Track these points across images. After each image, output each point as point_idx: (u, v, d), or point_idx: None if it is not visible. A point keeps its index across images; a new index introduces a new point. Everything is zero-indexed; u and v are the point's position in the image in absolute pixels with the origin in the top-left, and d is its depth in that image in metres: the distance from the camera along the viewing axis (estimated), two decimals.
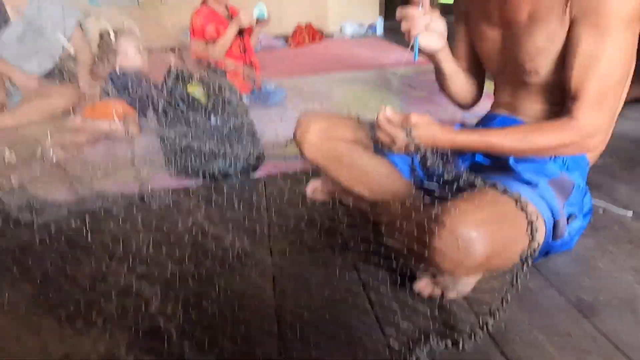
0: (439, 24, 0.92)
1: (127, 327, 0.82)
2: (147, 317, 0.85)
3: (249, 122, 1.45)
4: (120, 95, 1.97)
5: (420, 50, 0.95)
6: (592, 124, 0.81)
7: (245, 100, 2.06)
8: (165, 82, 1.33)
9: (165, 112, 1.31)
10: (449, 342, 0.76)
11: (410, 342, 0.78)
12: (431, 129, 0.87)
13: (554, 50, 0.84)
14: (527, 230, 0.73)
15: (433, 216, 0.68)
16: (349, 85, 2.58)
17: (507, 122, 1.00)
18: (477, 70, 1.10)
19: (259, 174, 1.51)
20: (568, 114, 0.82)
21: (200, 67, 1.34)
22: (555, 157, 0.90)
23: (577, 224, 0.90)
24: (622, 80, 0.81)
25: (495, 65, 1.01)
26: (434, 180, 0.98)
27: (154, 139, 1.53)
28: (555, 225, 0.82)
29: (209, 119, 1.29)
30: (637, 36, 0.81)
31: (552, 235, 0.84)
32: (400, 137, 0.88)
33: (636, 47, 0.83)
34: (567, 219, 0.87)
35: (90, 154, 1.68)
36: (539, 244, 0.74)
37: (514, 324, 0.81)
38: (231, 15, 2.08)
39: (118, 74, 2.05)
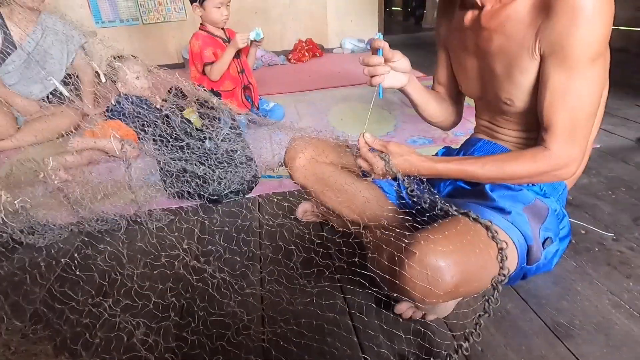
0: (401, 64, 0.97)
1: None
2: (131, 346, 0.89)
3: (243, 146, 1.50)
4: (122, 119, 2.03)
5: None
6: (565, 155, 0.84)
7: (242, 119, 2.12)
8: (163, 107, 1.38)
9: (161, 136, 1.36)
10: None
11: None
12: (410, 158, 0.91)
13: (527, 83, 0.87)
14: (497, 258, 0.76)
15: (403, 246, 0.71)
16: (347, 101, 2.63)
17: (487, 147, 1.04)
18: (457, 94, 1.15)
19: (253, 193, 1.55)
20: (542, 144, 0.86)
21: (197, 92, 1.38)
22: (532, 184, 0.93)
23: (553, 247, 0.93)
24: (593, 113, 0.84)
25: (473, 92, 1.05)
26: (418, 205, 1.02)
27: (154, 161, 1.58)
28: (529, 251, 0.85)
29: (203, 143, 1.33)
30: (606, 68, 0.84)
31: (527, 260, 0.87)
32: (379, 165, 0.92)
33: (606, 78, 0.86)
34: (543, 243, 0.90)
35: (90, 176, 1.73)
36: (509, 271, 0.76)
37: (490, 347, 0.84)
38: (229, 37, 2.14)
39: (122, 98, 2.12)
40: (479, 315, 0.77)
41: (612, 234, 1.15)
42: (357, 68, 3.30)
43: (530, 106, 0.90)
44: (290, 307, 0.96)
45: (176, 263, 1.12)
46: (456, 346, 0.78)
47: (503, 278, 0.75)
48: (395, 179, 0.91)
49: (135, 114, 1.81)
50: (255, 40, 2.06)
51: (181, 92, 1.43)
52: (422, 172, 0.91)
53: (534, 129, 0.94)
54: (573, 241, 1.13)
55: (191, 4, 1.99)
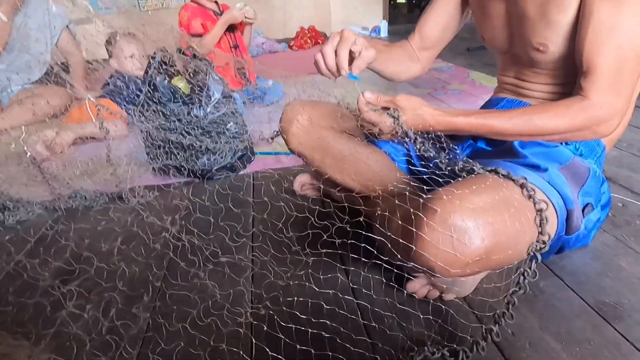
0: (365, 54, 0.84)
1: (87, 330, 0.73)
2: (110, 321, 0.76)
3: (236, 116, 1.36)
4: (115, 98, 1.90)
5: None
6: (607, 106, 0.70)
7: (237, 97, 1.99)
8: (147, 72, 1.24)
9: (146, 105, 1.23)
10: (447, 353, 0.66)
11: (402, 352, 0.67)
12: (423, 113, 0.77)
13: (565, 22, 0.74)
14: (535, 221, 0.62)
15: (422, 202, 0.57)
16: (350, 84, 2.49)
17: (512, 105, 0.90)
18: (432, 47, 1.04)
19: (248, 171, 1.42)
20: (580, 93, 0.72)
21: (185, 58, 1.25)
22: (566, 142, 0.80)
23: (594, 215, 0.79)
24: None
25: (499, 44, 0.91)
26: (432, 167, 0.89)
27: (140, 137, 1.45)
28: (568, 217, 0.71)
29: (191, 110, 1.20)
30: None
31: (566, 229, 0.73)
32: (387, 123, 0.79)
33: None
34: (583, 210, 0.76)
35: (74, 154, 1.60)
36: (549, 237, 0.62)
37: (523, 330, 0.70)
38: (222, 11, 2.01)
39: (115, 76, 2.00)
40: (512, 292, 0.62)
41: None
42: None
43: (566, 52, 0.76)
44: (280, 281, 0.82)
45: (152, 239, 0.99)
46: (484, 331, 0.64)
47: (543, 245, 0.61)
48: (406, 136, 0.77)
49: (125, 91, 1.69)
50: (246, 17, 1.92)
51: (170, 56, 1.30)
52: (437, 128, 0.78)
53: (568, 81, 0.80)
54: (610, 214, 0.98)
55: None
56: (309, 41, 4.06)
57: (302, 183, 1.17)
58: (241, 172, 1.40)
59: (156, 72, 1.22)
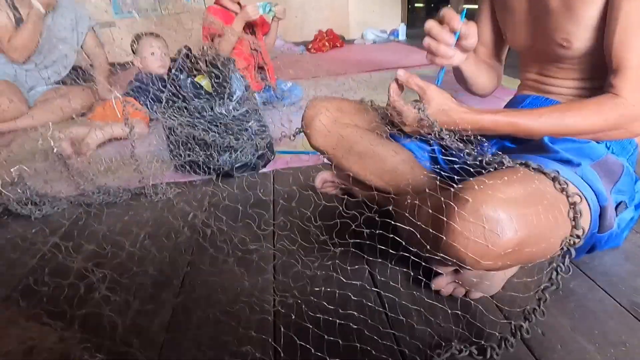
0: (472, 44, 0.84)
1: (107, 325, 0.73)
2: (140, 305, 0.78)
3: (257, 114, 1.37)
4: (139, 97, 1.94)
5: None
6: None
7: (257, 98, 2.00)
8: (170, 70, 1.26)
9: (169, 102, 1.24)
10: (475, 351, 0.64)
11: (427, 350, 0.66)
12: (449, 107, 0.76)
13: (590, 16, 0.72)
14: (568, 215, 0.60)
15: (452, 192, 0.56)
16: (369, 86, 2.49)
17: (538, 103, 0.88)
18: (499, 52, 1.02)
19: (268, 169, 1.42)
20: (611, 91, 0.70)
21: (208, 54, 1.26)
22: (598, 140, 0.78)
23: (627, 214, 0.77)
24: None
25: (522, 40, 0.89)
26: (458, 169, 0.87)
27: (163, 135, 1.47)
28: (601, 214, 0.69)
29: (213, 106, 1.21)
30: None
31: (599, 227, 0.70)
32: (412, 115, 0.78)
33: None
34: (616, 208, 0.74)
35: (98, 151, 1.63)
36: (583, 232, 0.61)
37: (554, 330, 0.68)
38: None
39: (141, 76, 2.03)
40: (544, 288, 0.61)
41: None
42: (379, 57, 3.15)
43: (591, 47, 0.74)
44: (307, 271, 0.81)
45: (181, 224, 0.99)
46: (513, 327, 0.62)
47: (577, 240, 0.59)
48: (431, 132, 0.76)
49: (149, 89, 1.71)
50: (273, 15, 1.93)
51: (193, 55, 1.31)
52: (463, 125, 0.76)
53: (595, 76, 0.78)
54: None
55: None
56: (327, 44, 4.07)
57: (323, 180, 1.17)
58: (262, 171, 1.41)
59: (180, 69, 1.23)
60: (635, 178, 0.82)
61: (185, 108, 1.17)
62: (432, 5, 7.05)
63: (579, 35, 0.74)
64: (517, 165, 0.65)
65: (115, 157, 1.45)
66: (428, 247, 0.57)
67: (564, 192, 0.61)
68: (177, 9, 4.18)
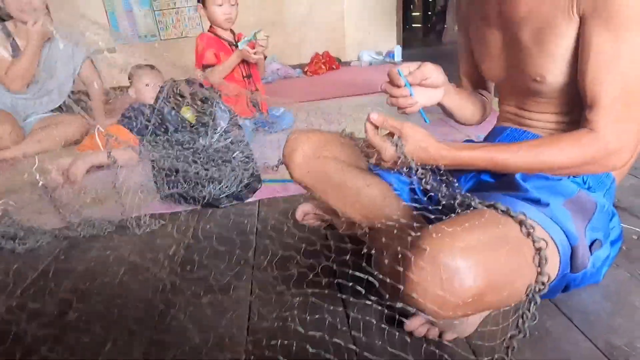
0: (435, 80, 0.85)
1: None
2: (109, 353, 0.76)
3: (243, 145, 1.37)
4: (131, 126, 1.96)
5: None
6: (616, 138, 0.68)
7: (248, 125, 2.01)
8: (156, 102, 1.27)
9: (154, 134, 1.25)
10: None
11: None
12: (427, 145, 0.76)
13: (562, 53, 0.72)
14: (533, 261, 0.59)
15: (410, 240, 0.55)
16: (362, 109, 2.51)
17: (516, 135, 0.88)
18: (483, 83, 1.03)
19: (254, 198, 1.42)
20: (587, 125, 0.70)
21: (193, 87, 1.28)
22: (574, 175, 0.77)
23: (603, 252, 0.76)
24: None
25: (497, 74, 0.90)
26: (434, 200, 0.87)
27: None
28: (573, 254, 0.68)
29: (197, 140, 1.22)
30: None
31: (571, 266, 0.69)
32: (389, 151, 0.78)
33: None
34: (590, 246, 0.72)
35: (87, 181, 1.64)
36: (549, 278, 0.60)
37: None
38: (237, 40, 2.06)
39: (135, 106, 2.06)
40: (511, 336, 0.60)
41: None
42: (375, 78, 3.17)
43: (566, 82, 0.74)
44: (278, 314, 0.81)
45: (153, 269, 0.99)
46: None
47: (542, 287, 0.58)
48: (409, 169, 0.76)
49: (139, 120, 1.73)
50: (254, 39, 1.94)
51: (178, 89, 1.33)
52: (441, 161, 0.76)
53: (572, 110, 0.78)
54: (624, 247, 0.94)
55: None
56: (323, 67, 4.12)
57: (304, 212, 1.16)
58: (247, 200, 1.41)
59: (164, 102, 1.25)
60: (612, 212, 0.81)
61: (168, 140, 1.18)
62: (429, 25, 7.16)
63: (552, 70, 0.75)
64: (485, 207, 0.65)
65: (104, 187, 1.46)
66: (387, 296, 0.57)
67: (530, 237, 0.60)
68: (177, 35, 4.26)
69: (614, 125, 0.68)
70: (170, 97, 1.23)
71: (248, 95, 2.04)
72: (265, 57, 2.10)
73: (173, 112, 1.22)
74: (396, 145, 0.77)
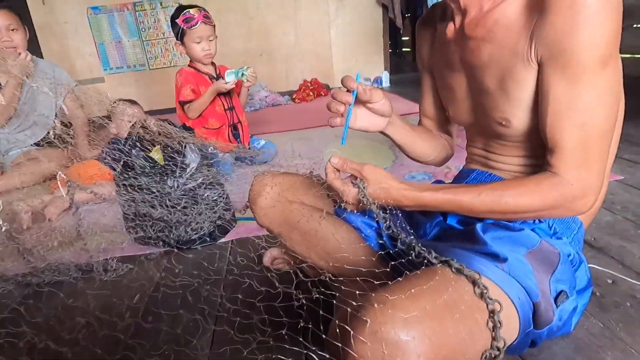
0: (381, 107, 0.83)
1: None
2: None
3: (216, 184, 1.35)
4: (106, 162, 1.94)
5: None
6: (579, 183, 0.66)
7: (228, 158, 2.00)
8: (126, 143, 1.26)
9: (123, 175, 1.23)
10: None
11: None
12: (388, 187, 0.75)
13: (525, 98, 0.71)
14: (487, 325, 0.56)
15: (349, 311, 0.52)
16: (350, 136, 2.50)
17: (482, 178, 0.87)
18: (446, 124, 1.01)
19: (228, 237, 1.38)
20: (550, 169, 0.68)
21: (162, 128, 1.26)
22: (539, 220, 0.75)
23: (569, 304, 0.72)
24: (608, 129, 0.67)
25: (464, 117, 0.89)
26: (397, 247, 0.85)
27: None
28: (535, 310, 0.65)
29: (164, 181, 1.19)
30: (619, 76, 0.67)
31: (535, 323, 0.66)
32: (351, 194, 0.76)
33: (620, 90, 0.70)
34: (556, 299, 0.69)
35: (57, 222, 1.61)
36: (505, 344, 0.56)
37: None
38: (219, 74, 2.06)
39: (115, 142, 2.04)
40: None
41: None
42: None
43: (530, 126, 0.73)
44: None
45: (116, 323, 0.95)
46: None
47: (497, 353, 0.55)
48: (370, 209, 0.75)
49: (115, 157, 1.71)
50: (241, 78, 1.95)
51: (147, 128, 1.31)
52: (403, 202, 0.75)
53: (540, 154, 0.76)
54: (597, 293, 0.91)
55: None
56: (311, 94, 4.14)
57: (272, 257, 1.13)
58: (221, 241, 1.37)
59: (132, 144, 1.23)
60: (579, 261, 0.78)
61: (132, 185, 1.15)
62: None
63: (517, 115, 0.73)
64: (441, 262, 0.62)
65: (72, 229, 1.42)
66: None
67: (483, 298, 0.57)
68: (165, 64, 4.29)
69: (575, 170, 0.66)
70: (138, 138, 1.21)
71: (230, 128, 2.03)
72: (248, 87, 2.10)
73: (141, 154, 1.20)
74: (358, 188, 0.76)
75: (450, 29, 0.81)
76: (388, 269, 0.72)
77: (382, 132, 0.92)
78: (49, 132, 2.31)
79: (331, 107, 0.80)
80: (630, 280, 0.94)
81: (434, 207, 0.75)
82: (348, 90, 0.79)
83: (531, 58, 0.67)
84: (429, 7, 0.92)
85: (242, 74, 1.93)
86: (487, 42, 0.73)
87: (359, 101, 0.81)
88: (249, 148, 2.13)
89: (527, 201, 0.69)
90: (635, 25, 3.20)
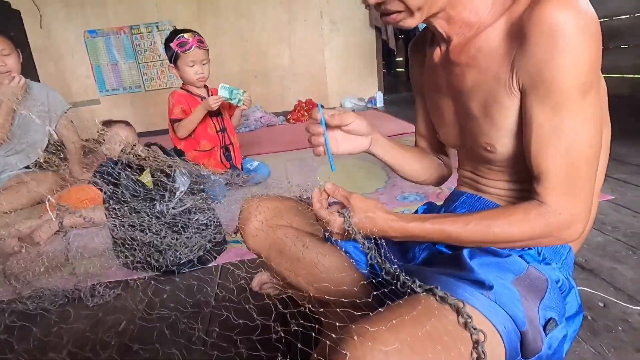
0: (356, 126, 0.84)
1: None
2: None
3: (206, 208, 1.34)
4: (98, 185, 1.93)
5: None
6: (566, 211, 0.66)
7: (221, 180, 1.99)
8: (116, 166, 1.25)
9: (111, 199, 1.22)
10: None
11: None
12: (375, 216, 0.74)
13: (509, 124, 0.71)
14: (471, 355, 0.55)
15: (328, 344, 0.51)
16: (338, 158, 2.51)
17: (471, 201, 0.86)
18: (437, 145, 1.01)
19: (218, 261, 1.37)
20: (536, 198, 0.68)
21: (151, 151, 1.26)
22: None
23: (559, 332, 0.71)
24: (593, 156, 0.67)
25: (451, 139, 0.89)
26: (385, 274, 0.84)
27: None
28: (523, 339, 0.64)
29: (152, 205, 1.18)
30: (601, 103, 0.68)
31: (523, 351, 0.65)
32: (337, 223, 0.76)
33: (604, 115, 0.70)
34: (545, 326, 0.68)
35: (46, 247, 1.59)
36: None
37: None
38: (212, 95, 2.07)
39: (106, 164, 2.04)
40: None
41: (639, 307, 0.92)
42: None
43: (515, 153, 0.73)
44: None
45: (104, 347, 0.93)
46: None
47: None
48: (355, 238, 0.74)
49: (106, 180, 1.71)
50: (237, 104, 1.95)
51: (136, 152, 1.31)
52: (390, 233, 0.74)
53: (525, 179, 0.76)
54: (589, 317, 0.90)
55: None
56: (305, 114, 4.18)
57: (261, 282, 1.12)
58: (211, 264, 1.36)
59: (122, 167, 1.22)
60: (568, 287, 0.77)
61: (121, 208, 1.14)
62: None
63: (501, 141, 0.74)
64: (425, 291, 0.62)
65: (60, 254, 1.40)
66: None
67: (468, 328, 0.56)
68: (161, 86, 4.33)
69: (561, 198, 0.66)
70: (127, 162, 1.21)
71: (222, 149, 2.04)
72: (243, 110, 2.11)
73: (130, 177, 1.20)
74: (344, 217, 0.75)
75: (437, 54, 0.82)
76: (372, 299, 0.71)
77: (369, 152, 0.92)
78: (38, 158, 2.34)
79: (310, 140, 0.83)
80: (621, 303, 0.93)
81: (421, 238, 0.75)
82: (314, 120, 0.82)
83: (513, 86, 0.68)
84: (421, 29, 0.94)
85: (239, 100, 1.93)
86: (471, 68, 0.74)
87: (332, 127, 0.82)
88: (242, 169, 2.13)
89: (516, 231, 0.68)
90: (622, 46, 3.27)
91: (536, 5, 0.62)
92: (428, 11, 0.71)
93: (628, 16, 3.15)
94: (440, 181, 1.04)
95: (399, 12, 0.71)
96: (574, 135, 0.64)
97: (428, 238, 0.75)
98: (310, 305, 0.91)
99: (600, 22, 0.62)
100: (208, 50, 1.97)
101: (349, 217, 0.75)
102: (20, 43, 3.65)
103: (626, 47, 3.25)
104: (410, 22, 0.73)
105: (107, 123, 2.33)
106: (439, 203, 0.99)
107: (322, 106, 0.84)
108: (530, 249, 0.75)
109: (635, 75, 3.26)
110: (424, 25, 0.79)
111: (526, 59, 0.64)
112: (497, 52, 0.69)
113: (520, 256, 0.74)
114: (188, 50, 1.86)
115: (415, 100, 1.01)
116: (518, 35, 0.66)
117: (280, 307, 0.82)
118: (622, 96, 3.22)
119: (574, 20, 0.59)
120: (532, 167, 0.68)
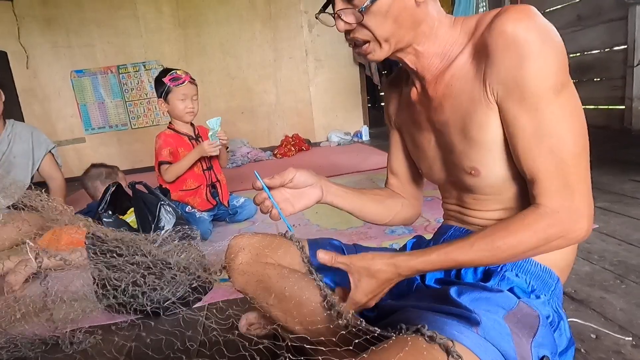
0: (299, 178, 0.87)
1: None
2: None
3: (191, 246, 1.32)
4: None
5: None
6: (564, 207, 0.66)
7: (207, 217, 1.97)
8: (98, 208, 1.23)
9: (94, 239, 1.19)
10: None
11: None
12: (376, 269, 0.75)
13: (488, 141, 0.73)
14: None
15: None
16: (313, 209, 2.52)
17: (459, 234, 0.87)
18: (414, 181, 1.02)
19: (205, 301, 1.33)
20: (534, 202, 0.68)
21: (136, 189, 1.25)
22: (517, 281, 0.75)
23: None
24: (581, 152, 0.67)
25: (436, 174, 0.90)
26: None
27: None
28: None
29: (138, 247, 1.16)
30: (577, 101, 0.69)
31: None
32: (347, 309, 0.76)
33: (581, 110, 0.71)
34: None
35: (24, 292, 1.53)
36: None
37: None
38: (198, 134, 2.08)
39: (92, 206, 2.02)
40: None
41: (631, 338, 0.91)
42: (343, 159, 3.24)
43: (499, 174, 0.75)
44: None
45: None
46: None
47: None
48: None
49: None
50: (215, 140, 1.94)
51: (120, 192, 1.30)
52: (399, 279, 0.75)
53: (510, 205, 0.78)
54: (582, 350, 0.89)
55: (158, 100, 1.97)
56: (292, 149, 4.21)
57: (248, 322, 1.08)
58: (197, 305, 1.32)
59: (105, 208, 1.20)
60: (557, 319, 0.77)
61: (103, 251, 1.12)
62: None
63: (484, 162, 0.75)
64: (410, 334, 0.60)
65: (40, 297, 1.35)
66: None
67: None
68: (148, 123, 4.34)
69: (556, 196, 0.66)
70: (110, 202, 1.19)
71: (208, 188, 2.02)
72: (227, 147, 2.12)
73: (113, 217, 1.17)
74: (331, 305, 0.75)
75: (414, 92, 0.85)
76: (352, 346, 0.69)
77: (325, 202, 0.93)
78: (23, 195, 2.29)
79: (261, 208, 0.86)
80: (613, 334, 0.92)
81: (431, 270, 0.75)
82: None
83: (489, 99, 0.70)
84: (397, 67, 0.97)
85: (214, 135, 1.94)
86: (447, 97, 0.76)
87: (278, 188, 0.87)
88: (228, 206, 2.11)
89: (518, 239, 0.68)
90: (595, 79, 3.41)
91: (495, 22, 0.66)
92: (396, 44, 0.74)
93: (599, 51, 3.32)
94: (407, 221, 1.04)
95: (368, 42, 0.74)
96: (555, 132, 0.66)
97: (437, 268, 0.74)
98: (299, 343, 0.89)
99: (573, 57, 0.66)
100: (197, 87, 2.01)
101: (334, 303, 0.75)
102: (7, 84, 3.66)
103: (599, 80, 3.40)
104: (379, 54, 0.76)
105: (97, 166, 2.32)
106: (428, 236, 0.99)
107: (257, 173, 0.88)
108: (518, 276, 0.75)
109: (609, 107, 3.39)
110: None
111: (496, 69, 0.67)
112: (468, 74, 0.72)
113: (511, 289, 0.74)
114: (181, 84, 1.89)
115: (390, 136, 1.03)
116: (484, 52, 0.69)
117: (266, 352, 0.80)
118: (598, 126, 3.33)
119: (532, 28, 0.63)
120: (524, 172, 0.70)
